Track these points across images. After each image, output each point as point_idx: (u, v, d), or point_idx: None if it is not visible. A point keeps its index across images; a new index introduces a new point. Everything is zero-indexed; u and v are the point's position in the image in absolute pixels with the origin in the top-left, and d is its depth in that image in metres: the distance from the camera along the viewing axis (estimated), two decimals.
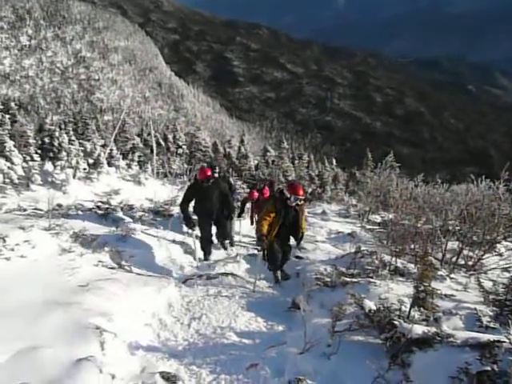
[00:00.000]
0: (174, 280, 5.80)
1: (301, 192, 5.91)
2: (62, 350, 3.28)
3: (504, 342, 2.98)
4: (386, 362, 3.33)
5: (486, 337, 3.17)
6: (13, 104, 18.56)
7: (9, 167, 10.99)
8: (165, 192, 12.98)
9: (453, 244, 6.48)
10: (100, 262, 5.60)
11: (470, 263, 6.30)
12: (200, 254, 7.17)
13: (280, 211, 5.93)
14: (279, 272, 6.32)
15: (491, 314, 3.97)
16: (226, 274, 6.06)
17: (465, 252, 6.41)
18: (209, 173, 6.97)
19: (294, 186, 6.15)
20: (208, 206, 7.10)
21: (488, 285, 4.78)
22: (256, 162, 26.04)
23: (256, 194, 9.72)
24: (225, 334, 4.29)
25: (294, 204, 5.89)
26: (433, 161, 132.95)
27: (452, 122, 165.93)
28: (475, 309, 4.05)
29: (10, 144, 11.79)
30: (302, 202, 6.13)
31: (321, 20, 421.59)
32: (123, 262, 5.82)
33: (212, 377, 3.51)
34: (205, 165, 13.96)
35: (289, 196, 5.86)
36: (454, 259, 6.29)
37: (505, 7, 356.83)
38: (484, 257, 6.21)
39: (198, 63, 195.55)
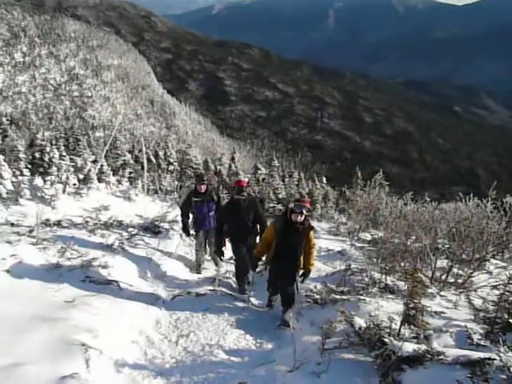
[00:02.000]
0: (163, 297, 5.72)
1: (307, 204, 5.27)
2: (46, 366, 3.20)
3: (495, 359, 2.98)
4: (376, 380, 3.30)
5: (476, 354, 3.17)
6: (4, 119, 18.48)
7: None
8: (155, 208, 12.89)
9: (442, 262, 6.50)
10: (87, 277, 5.51)
11: (460, 281, 6.31)
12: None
13: (280, 231, 5.18)
14: (276, 297, 5.56)
15: (481, 331, 3.97)
16: (216, 291, 5.99)
17: (454, 270, 6.43)
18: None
19: (301, 200, 5.68)
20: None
21: (478, 302, 4.79)
22: (247, 179, 26.07)
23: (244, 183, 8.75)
24: (213, 352, 4.22)
25: (298, 211, 5.05)
26: (421, 180, 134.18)
27: (440, 142, 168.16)
28: (465, 326, 4.05)
29: (0, 158, 11.68)
30: (308, 220, 5.33)
31: (311, 40, 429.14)
32: (111, 278, 5.73)
33: None
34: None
35: (293, 206, 5.15)
36: (443, 277, 6.30)
37: (489, 31, 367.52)
38: (473, 274, 6.23)
39: (190, 82, 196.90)
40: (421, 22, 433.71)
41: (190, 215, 7.33)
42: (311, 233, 5.33)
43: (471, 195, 6.81)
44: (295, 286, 5.17)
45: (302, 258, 5.22)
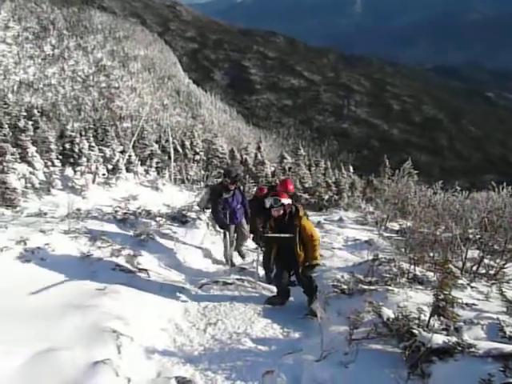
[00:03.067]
0: (191, 285, 5.81)
1: (289, 187, 5.39)
2: (79, 352, 3.31)
3: None
4: (405, 371, 3.26)
5: (509, 348, 3.09)
6: (36, 111, 18.99)
7: (31, 172, 11.24)
8: (182, 198, 13.06)
9: (473, 252, 6.34)
10: (117, 266, 5.64)
11: (492, 272, 6.15)
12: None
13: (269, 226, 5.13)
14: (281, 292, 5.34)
15: None
16: (242, 280, 6.04)
17: (486, 261, 6.27)
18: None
19: (284, 181, 5.85)
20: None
21: (510, 294, 4.66)
22: (273, 168, 26.03)
23: (265, 191, 8.00)
24: (241, 340, 4.26)
25: (268, 206, 4.93)
26: (451, 168, 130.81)
27: (471, 129, 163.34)
28: (497, 319, 3.95)
29: (32, 150, 12.06)
30: (293, 209, 4.99)
31: (337, 27, 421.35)
32: (140, 267, 5.86)
33: (227, 383, 3.50)
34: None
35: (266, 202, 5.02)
36: (474, 268, 6.16)
37: None
38: (506, 266, 6.06)
39: (215, 71, 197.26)
40: (451, 4, 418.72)
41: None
42: (303, 222, 5.00)
43: (504, 184, 6.60)
44: (306, 277, 5.07)
45: (302, 251, 4.99)
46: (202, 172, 22.14)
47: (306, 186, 23.18)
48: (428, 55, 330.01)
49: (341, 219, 13.39)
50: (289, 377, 3.49)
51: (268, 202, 4.98)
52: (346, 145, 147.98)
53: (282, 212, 4.96)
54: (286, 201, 4.95)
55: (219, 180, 7.93)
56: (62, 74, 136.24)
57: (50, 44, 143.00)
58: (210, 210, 7.30)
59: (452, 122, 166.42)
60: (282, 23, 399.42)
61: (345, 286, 5.25)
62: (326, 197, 21.71)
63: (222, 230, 7.22)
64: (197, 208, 9.45)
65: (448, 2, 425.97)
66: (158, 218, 8.50)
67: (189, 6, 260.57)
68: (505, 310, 4.33)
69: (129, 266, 5.77)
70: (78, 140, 14.71)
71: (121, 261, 5.88)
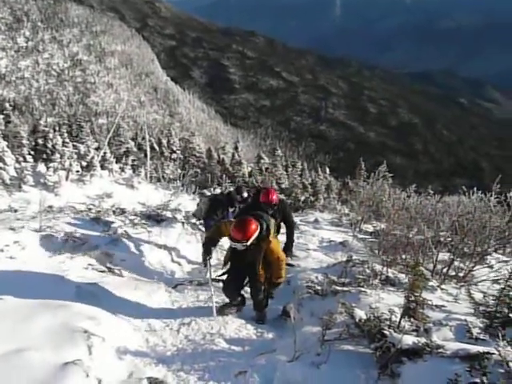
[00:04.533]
0: (165, 285, 5.76)
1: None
2: (49, 353, 3.24)
3: (494, 354, 2.99)
4: (375, 371, 3.32)
5: (475, 348, 3.18)
6: (7, 105, 18.46)
7: (1, 167, 10.90)
8: (157, 196, 12.92)
9: (444, 255, 6.50)
10: (90, 265, 5.56)
11: (461, 274, 6.32)
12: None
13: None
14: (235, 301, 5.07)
15: (481, 325, 3.97)
16: (217, 281, 6.02)
17: (456, 263, 6.43)
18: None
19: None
20: None
21: (478, 296, 4.79)
22: (250, 168, 26.04)
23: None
24: (214, 341, 4.26)
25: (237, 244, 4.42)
26: (425, 172, 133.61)
27: (444, 134, 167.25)
28: (465, 320, 4.06)
29: (2, 144, 11.69)
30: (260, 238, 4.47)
31: (318, 29, 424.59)
32: (113, 266, 5.77)
33: (200, 383, 3.48)
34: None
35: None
36: (444, 270, 6.31)
37: (499, 22, 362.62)
38: (475, 268, 6.23)
39: (194, 69, 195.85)
40: (430, 11, 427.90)
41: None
42: (271, 246, 4.61)
43: (475, 188, 6.79)
44: (262, 294, 4.89)
45: (262, 269, 4.71)
46: (179, 171, 21.95)
47: (283, 186, 23.28)
48: (405, 60, 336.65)
49: (316, 220, 13.50)
50: (261, 377, 3.50)
51: (234, 245, 4.44)
52: (323, 147, 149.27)
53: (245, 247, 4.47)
54: (253, 236, 4.38)
55: (218, 192, 7.99)
56: (35, 67, 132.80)
57: (23, 36, 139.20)
58: (205, 218, 7.12)
59: (426, 127, 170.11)
60: (263, 23, 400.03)
61: (318, 287, 5.30)
62: (302, 198, 21.85)
63: (202, 231, 7.22)
64: (172, 207, 9.38)
65: (427, 9, 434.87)
66: (132, 217, 8.40)
67: (168, 3, 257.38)
68: (472, 311, 4.45)
69: (101, 265, 5.68)
70: (51, 135, 14.36)
71: (93, 260, 5.79)
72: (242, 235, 4.29)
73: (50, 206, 8.70)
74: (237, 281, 4.91)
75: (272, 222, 4.80)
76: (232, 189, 7.18)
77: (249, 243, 4.34)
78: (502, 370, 2.82)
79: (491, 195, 6.38)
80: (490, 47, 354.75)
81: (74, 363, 3.14)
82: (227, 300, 5.03)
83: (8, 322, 3.61)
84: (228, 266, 4.97)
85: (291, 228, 6.31)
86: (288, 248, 6.19)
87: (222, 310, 4.88)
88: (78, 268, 5.38)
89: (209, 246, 4.86)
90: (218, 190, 12.19)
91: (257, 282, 4.78)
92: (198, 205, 7.99)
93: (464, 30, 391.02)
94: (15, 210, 8.18)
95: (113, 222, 7.68)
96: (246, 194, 6.81)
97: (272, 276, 4.78)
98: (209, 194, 7.48)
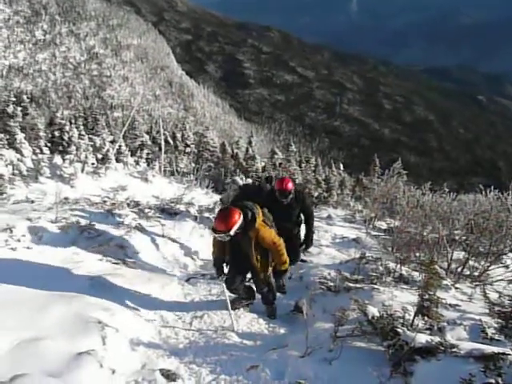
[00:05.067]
0: (178, 278, 5.80)
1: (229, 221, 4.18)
2: (63, 342, 3.29)
3: (509, 354, 2.95)
4: (387, 369, 3.30)
5: (490, 349, 3.14)
6: (25, 97, 18.69)
7: (18, 159, 11.06)
8: (171, 190, 13.00)
9: (459, 254, 6.42)
10: (104, 256, 5.61)
11: (476, 274, 6.24)
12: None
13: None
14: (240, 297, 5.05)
15: (496, 325, 3.92)
16: None
17: (471, 262, 6.35)
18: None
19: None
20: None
21: (493, 296, 4.73)
22: (263, 163, 26.01)
23: None
24: (226, 335, 4.28)
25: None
26: (440, 170, 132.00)
27: (461, 132, 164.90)
28: (480, 320, 4.01)
29: (20, 136, 11.88)
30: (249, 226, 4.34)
31: (333, 24, 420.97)
32: (127, 258, 5.83)
33: (212, 376, 3.51)
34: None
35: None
36: (459, 269, 6.24)
37: None
38: (490, 268, 6.15)
39: (209, 64, 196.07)
40: (445, 8, 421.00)
41: None
42: (261, 233, 4.41)
43: (491, 187, 6.68)
44: (266, 286, 4.82)
45: (258, 261, 4.58)
46: (193, 165, 22.02)
47: (296, 182, 23.21)
48: (421, 56, 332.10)
49: (329, 216, 13.45)
50: (273, 372, 3.51)
51: (219, 237, 4.29)
52: (337, 142, 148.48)
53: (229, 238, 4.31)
54: (236, 226, 4.21)
55: (249, 181, 7.87)
56: (52, 60, 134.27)
57: (41, 29, 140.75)
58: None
59: (442, 124, 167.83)
60: (278, 18, 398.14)
61: (331, 284, 5.28)
62: (316, 194, 21.77)
63: None
64: (186, 201, 9.43)
65: (443, 6, 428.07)
66: (146, 210, 8.46)
67: None
68: (487, 311, 4.39)
69: (115, 258, 5.74)
70: (67, 128, 14.51)
71: (108, 251, 5.85)
72: (225, 225, 4.15)
73: (66, 198, 8.81)
74: (237, 274, 4.80)
75: (259, 209, 4.53)
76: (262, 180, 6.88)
77: (232, 233, 4.18)
78: None
79: (508, 194, 6.27)
80: (509, 43, 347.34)
81: (87, 353, 3.18)
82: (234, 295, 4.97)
83: (24, 312, 3.67)
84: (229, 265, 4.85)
85: (310, 219, 6.07)
86: (308, 237, 5.99)
87: (232, 305, 4.75)
88: (93, 259, 5.44)
89: (218, 263, 4.67)
90: (250, 180, 12.16)
91: (256, 276, 4.71)
92: (226, 190, 7.96)
93: (481, 26, 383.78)
94: (32, 201, 8.30)
95: (127, 215, 7.75)
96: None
97: (276, 264, 4.65)
98: (241, 182, 7.28)
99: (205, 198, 12.75)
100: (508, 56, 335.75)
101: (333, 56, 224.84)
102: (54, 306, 3.86)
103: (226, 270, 4.73)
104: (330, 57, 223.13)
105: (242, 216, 4.27)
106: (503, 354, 2.97)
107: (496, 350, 3.09)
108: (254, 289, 5.03)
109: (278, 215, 5.28)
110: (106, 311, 4.00)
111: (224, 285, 4.65)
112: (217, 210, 6.18)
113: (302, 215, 6.03)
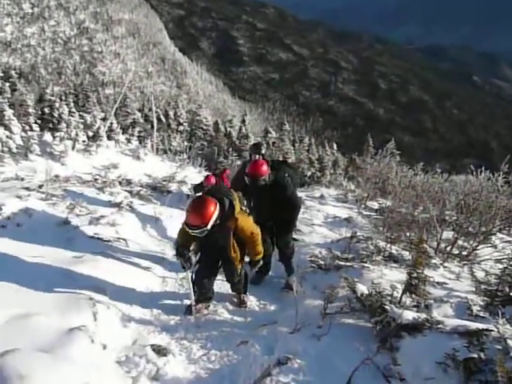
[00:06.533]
0: (169, 255, 5.82)
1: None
2: (54, 318, 3.31)
3: (492, 330, 3.02)
4: (375, 345, 3.37)
5: (474, 325, 3.21)
6: (13, 72, 18.32)
7: (7, 136, 10.92)
8: (163, 168, 12.96)
9: (448, 234, 6.50)
10: (96, 234, 5.61)
11: (464, 253, 6.33)
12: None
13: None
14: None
15: (482, 303, 4.01)
16: None
17: (460, 242, 6.44)
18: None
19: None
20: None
21: (480, 275, 4.82)
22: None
23: (213, 180, 7.80)
24: (217, 311, 4.33)
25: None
26: (433, 150, 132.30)
27: (455, 113, 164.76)
28: (466, 298, 4.10)
29: (9, 113, 11.68)
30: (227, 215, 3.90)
31: (328, 1, 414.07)
32: (119, 236, 5.83)
33: (202, 352, 3.56)
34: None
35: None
36: (448, 248, 6.32)
37: None
38: (478, 247, 6.24)
39: (202, 40, 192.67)
40: None
41: None
42: (240, 222, 4.02)
43: (483, 168, 6.71)
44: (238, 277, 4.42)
45: (235, 253, 4.20)
46: (185, 143, 21.90)
47: (289, 161, 23.19)
48: (418, 34, 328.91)
49: (322, 196, 13.48)
50: (263, 347, 3.56)
51: (193, 233, 3.79)
52: (331, 122, 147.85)
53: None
54: (213, 218, 3.75)
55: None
56: (41, 35, 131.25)
57: (29, 2, 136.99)
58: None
59: (437, 104, 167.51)
60: None
61: (322, 262, 5.34)
62: (309, 173, 21.80)
63: None
64: (178, 179, 9.40)
65: None
66: (138, 188, 8.43)
67: None
68: (474, 289, 4.48)
69: (107, 235, 5.74)
70: (57, 105, 14.30)
71: (99, 229, 5.84)
72: (201, 219, 3.66)
73: (57, 176, 8.75)
74: (210, 275, 4.33)
75: (235, 196, 4.11)
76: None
77: (209, 227, 3.72)
78: (500, 347, 2.85)
79: (499, 175, 6.31)
80: (507, 23, 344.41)
81: (79, 329, 3.21)
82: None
83: (14, 288, 3.68)
84: (199, 256, 4.36)
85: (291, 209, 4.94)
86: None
87: (190, 309, 4.21)
88: (84, 237, 5.43)
89: (182, 252, 4.09)
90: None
91: (231, 265, 4.25)
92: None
93: (479, 4, 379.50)
94: (22, 179, 8.23)
95: (118, 193, 7.72)
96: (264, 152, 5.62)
97: (250, 254, 4.29)
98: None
99: (198, 176, 12.71)
100: (505, 35, 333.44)
101: (328, 34, 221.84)
102: (45, 282, 3.87)
103: (193, 258, 4.22)
104: (326, 34, 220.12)
105: (217, 205, 3.80)
106: (487, 330, 3.04)
107: (480, 326, 3.16)
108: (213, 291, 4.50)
109: (256, 200, 4.91)
110: (98, 288, 4.03)
111: (190, 275, 4.16)
112: (188, 202, 5.09)
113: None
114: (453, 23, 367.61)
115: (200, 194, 4.45)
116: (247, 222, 4.12)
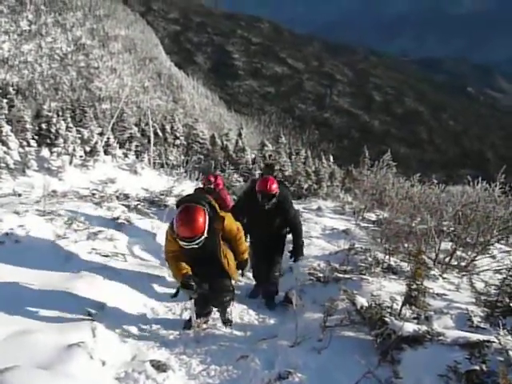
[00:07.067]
0: (168, 270, 5.79)
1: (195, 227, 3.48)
2: (53, 335, 3.28)
3: (494, 342, 3.01)
4: (375, 358, 3.35)
5: (475, 337, 3.20)
6: (11, 89, 18.39)
7: (5, 152, 10.91)
8: (161, 182, 12.95)
9: (446, 244, 6.50)
10: (94, 249, 5.58)
11: (463, 264, 6.33)
12: None
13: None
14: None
15: (482, 314, 4.00)
16: None
17: (458, 253, 6.44)
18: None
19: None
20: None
21: (480, 286, 4.82)
22: (253, 155, 25.97)
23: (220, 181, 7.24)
24: (216, 325, 4.31)
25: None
26: (429, 161, 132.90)
27: (450, 124, 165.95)
28: (466, 309, 4.09)
29: (6, 128, 11.70)
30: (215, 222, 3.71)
31: (324, 14, 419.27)
32: (117, 251, 5.81)
33: (202, 367, 3.53)
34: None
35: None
36: (447, 259, 6.32)
37: (509, 9, 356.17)
38: (477, 258, 6.24)
39: (198, 55, 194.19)
40: None
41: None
42: (226, 222, 3.86)
43: (479, 179, 6.75)
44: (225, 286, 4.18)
45: (225, 257, 3.98)
46: (182, 157, 21.91)
47: (286, 174, 23.23)
48: (412, 47, 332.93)
49: (319, 208, 13.49)
50: (263, 361, 3.54)
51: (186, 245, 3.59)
52: (327, 134, 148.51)
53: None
54: (206, 227, 3.57)
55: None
56: (38, 52, 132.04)
57: (26, 19, 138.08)
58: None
59: (432, 116, 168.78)
60: (267, 8, 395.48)
61: (320, 274, 5.33)
62: (306, 185, 21.82)
63: None
64: (175, 193, 9.40)
65: None
66: (135, 202, 8.42)
67: None
68: (474, 300, 4.47)
69: (105, 250, 5.71)
70: (54, 120, 14.33)
71: (97, 244, 5.82)
72: (195, 229, 3.45)
73: (54, 191, 8.72)
74: (207, 291, 4.07)
75: (211, 198, 3.89)
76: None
77: (204, 237, 3.54)
78: (502, 358, 2.84)
79: (496, 185, 6.35)
80: (501, 34, 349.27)
81: (78, 345, 3.18)
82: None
83: (13, 305, 3.65)
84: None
85: (297, 230, 5.06)
86: (296, 248, 5.07)
87: (190, 324, 4.14)
88: (82, 252, 5.41)
89: (188, 284, 3.73)
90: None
91: (222, 273, 4.01)
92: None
93: (473, 17, 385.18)
94: (19, 195, 8.21)
95: (116, 208, 7.71)
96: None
97: (238, 254, 4.10)
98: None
99: None
100: (499, 47, 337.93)
101: (323, 47, 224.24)
102: (43, 299, 3.85)
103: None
104: (321, 48, 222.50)
105: (205, 211, 3.60)
106: (488, 341, 3.03)
107: (481, 337, 3.15)
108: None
109: (255, 222, 4.88)
110: (96, 304, 4.01)
111: (194, 306, 3.99)
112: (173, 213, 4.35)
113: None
114: (447, 35, 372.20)
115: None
116: (230, 218, 3.97)
